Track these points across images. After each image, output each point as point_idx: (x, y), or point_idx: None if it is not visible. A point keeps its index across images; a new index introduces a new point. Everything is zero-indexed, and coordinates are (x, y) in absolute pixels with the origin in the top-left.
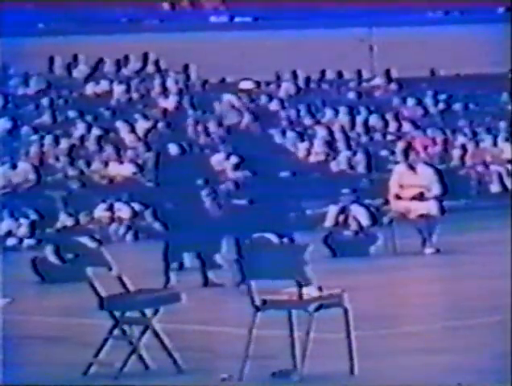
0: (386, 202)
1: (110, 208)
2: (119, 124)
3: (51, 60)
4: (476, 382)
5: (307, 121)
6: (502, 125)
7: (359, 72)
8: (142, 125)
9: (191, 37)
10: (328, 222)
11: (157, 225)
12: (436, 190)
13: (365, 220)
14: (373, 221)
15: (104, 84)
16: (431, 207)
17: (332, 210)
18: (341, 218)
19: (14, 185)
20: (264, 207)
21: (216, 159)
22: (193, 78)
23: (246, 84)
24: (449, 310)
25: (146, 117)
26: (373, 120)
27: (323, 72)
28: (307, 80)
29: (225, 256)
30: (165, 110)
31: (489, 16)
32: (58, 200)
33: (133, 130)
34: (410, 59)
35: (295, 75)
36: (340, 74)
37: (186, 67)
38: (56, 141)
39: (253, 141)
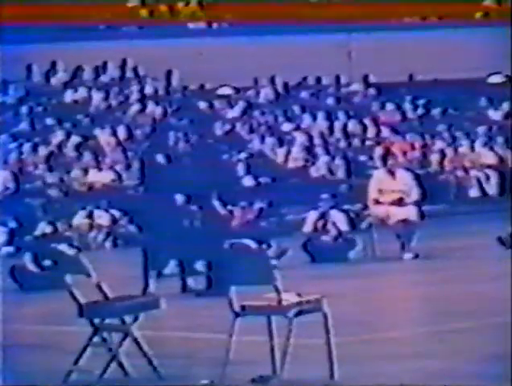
0: (365, 207)
1: (90, 215)
2: (98, 131)
3: (30, 68)
4: None
5: (286, 126)
6: (481, 129)
7: (337, 78)
8: (121, 132)
9: (169, 44)
10: (307, 227)
11: (136, 232)
12: (415, 195)
13: (344, 226)
14: (352, 226)
15: (82, 92)
16: (410, 212)
17: (312, 215)
18: (320, 223)
19: None
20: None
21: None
22: (172, 85)
23: (225, 91)
24: (428, 315)
25: (124, 124)
26: (352, 125)
27: (301, 78)
28: (286, 85)
29: (204, 262)
30: (144, 117)
31: (466, 21)
32: (37, 208)
33: (112, 137)
34: (388, 64)
35: (273, 81)
36: (318, 80)
37: (165, 74)
38: (35, 148)
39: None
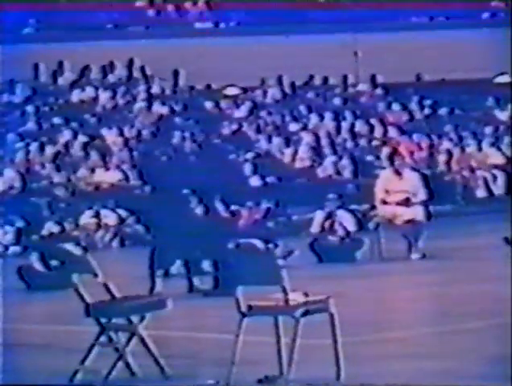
0: (372, 207)
1: (97, 215)
2: (105, 130)
3: (37, 67)
4: None
5: (293, 126)
6: (488, 130)
7: (344, 78)
8: (127, 132)
9: (176, 43)
10: (315, 228)
11: (143, 231)
12: (422, 195)
13: (351, 226)
14: (359, 227)
15: (89, 91)
16: (417, 213)
17: (319, 215)
18: (327, 223)
19: (0, 192)
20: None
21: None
22: (179, 84)
23: (232, 90)
24: (435, 315)
25: (131, 123)
26: (359, 125)
27: (308, 78)
28: (293, 85)
29: (211, 262)
30: (151, 117)
31: (474, 21)
32: (44, 207)
33: (119, 137)
34: (395, 64)
35: (280, 80)
36: (325, 80)
37: (172, 74)
38: (42, 148)
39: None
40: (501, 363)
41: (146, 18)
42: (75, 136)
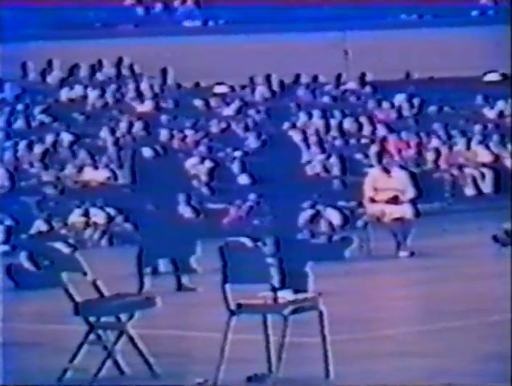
0: (361, 205)
1: (85, 213)
2: (94, 129)
3: (25, 66)
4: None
5: (282, 124)
6: (477, 128)
7: (334, 76)
8: (116, 131)
9: (165, 41)
10: (302, 225)
11: (131, 230)
12: (411, 193)
13: (339, 223)
14: (347, 224)
15: (78, 90)
16: (405, 211)
17: (306, 213)
18: (315, 221)
19: None
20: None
21: (191, 163)
22: (167, 82)
23: (220, 89)
24: (424, 313)
25: (120, 121)
26: (348, 123)
27: (297, 76)
28: (282, 83)
29: (199, 260)
30: (139, 115)
31: (463, 19)
32: (33, 206)
33: (107, 135)
34: (384, 62)
35: (269, 79)
36: (314, 78)
37: (161, 72)
38: (31, 146)
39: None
40: (491, 360)
41: (134, 17)
42: (63, 134)
